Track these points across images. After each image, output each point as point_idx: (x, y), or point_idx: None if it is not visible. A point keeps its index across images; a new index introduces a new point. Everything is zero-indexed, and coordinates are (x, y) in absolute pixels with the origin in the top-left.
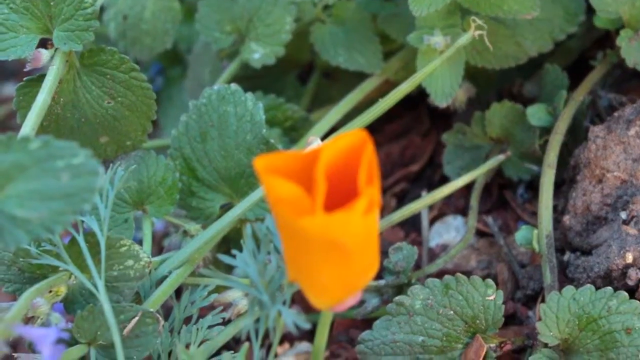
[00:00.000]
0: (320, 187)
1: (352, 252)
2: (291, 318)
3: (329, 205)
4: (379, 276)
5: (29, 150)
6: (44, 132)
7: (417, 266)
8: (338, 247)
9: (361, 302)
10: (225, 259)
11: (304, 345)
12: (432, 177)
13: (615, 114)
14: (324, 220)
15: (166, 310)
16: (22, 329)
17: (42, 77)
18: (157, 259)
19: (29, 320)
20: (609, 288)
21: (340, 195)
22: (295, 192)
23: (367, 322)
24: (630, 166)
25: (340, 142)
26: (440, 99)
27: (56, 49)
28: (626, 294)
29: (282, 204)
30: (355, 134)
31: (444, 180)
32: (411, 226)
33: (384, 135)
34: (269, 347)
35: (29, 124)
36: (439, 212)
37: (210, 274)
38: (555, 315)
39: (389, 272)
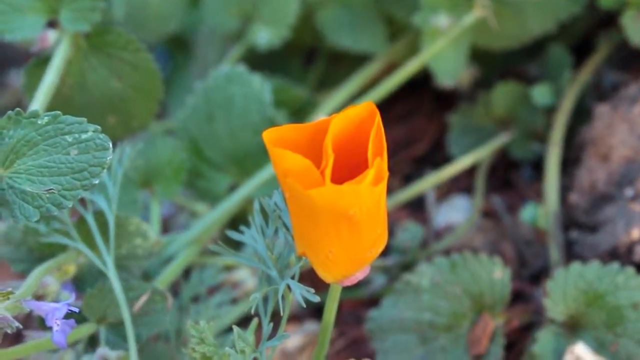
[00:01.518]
0: (329, 158)
1: (360, 224)
2: (300, 291)
3: (337, 177)
4: (385, 255)
5: (38, 126)
6: None
7: (424, 246)
8: (347, 219)
9: (368, 282)
10: (233, 235)
11: (311, 325)
12: (438, 158)
13: (621, 92)
14: (333, 190)
15: (175, 293)
16: (32, 304)
17: (49, 59)
18: (166, 238)
19: (39, 299)
20: (616, 264)
21: (348, 168)
22: (303, 164)
23: (374, 302)
24: (635, 144)
25: (348, 114)
26: (445, 79)
27: (63, 29)
28: (633, 269)
29: (291, 176)
30: (363, 106)
31: (449, 162)
32: (417, 207)
33: (389, 118)
34: (278, 326)
35: (37, 105)
36: (445, 192)
37: (218, 250)
38: (562, 292)
39: (395, 251)
